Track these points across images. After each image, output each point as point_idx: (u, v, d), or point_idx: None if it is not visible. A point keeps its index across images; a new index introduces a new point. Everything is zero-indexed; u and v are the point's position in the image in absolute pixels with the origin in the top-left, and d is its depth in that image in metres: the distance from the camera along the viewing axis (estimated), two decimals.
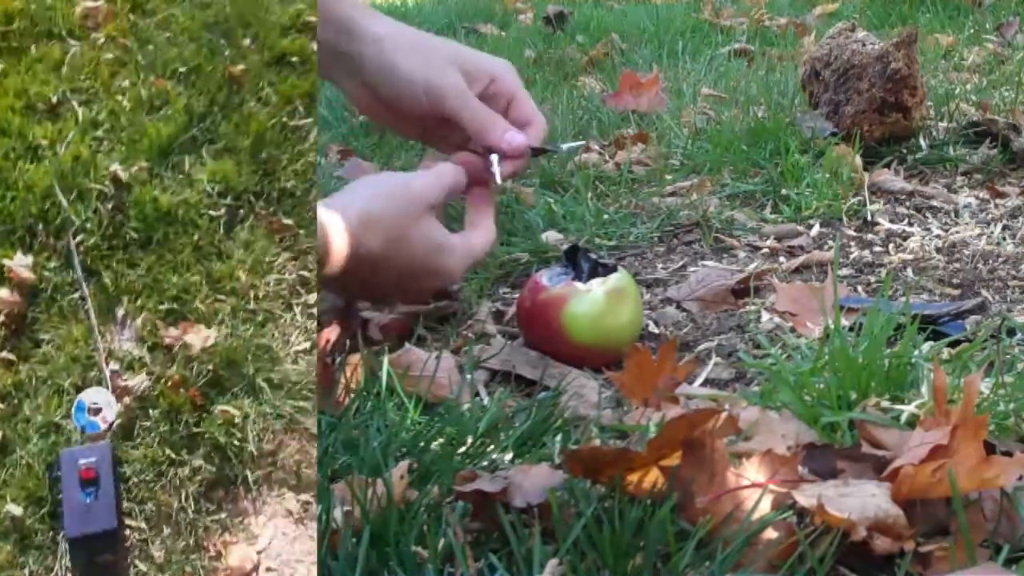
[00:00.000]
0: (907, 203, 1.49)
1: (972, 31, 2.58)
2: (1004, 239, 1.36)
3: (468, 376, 1.00)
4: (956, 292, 1.20)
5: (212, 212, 1.01)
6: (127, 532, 0.87)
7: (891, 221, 1.42)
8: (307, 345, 0.93)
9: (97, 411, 0.89)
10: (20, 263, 0.97)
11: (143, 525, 0.87)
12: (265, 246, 0.99)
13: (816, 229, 1.40)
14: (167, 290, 0.97)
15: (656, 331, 1.14)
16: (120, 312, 0.95)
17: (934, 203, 1.49)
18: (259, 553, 0.86)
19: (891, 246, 1.35)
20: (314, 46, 1.07)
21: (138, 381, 0.91)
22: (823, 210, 1.45)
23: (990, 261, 1.29)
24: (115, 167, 1.02)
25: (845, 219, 1.43)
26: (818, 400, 0.87)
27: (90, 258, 0.98)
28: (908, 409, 0.84)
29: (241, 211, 1.02)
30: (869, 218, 1.43)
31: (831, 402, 0.86)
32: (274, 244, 1.00)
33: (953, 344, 0.99)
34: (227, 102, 1.08)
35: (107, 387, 0.91)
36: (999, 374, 0.89)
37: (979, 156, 1.61)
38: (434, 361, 0.99)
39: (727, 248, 1.36)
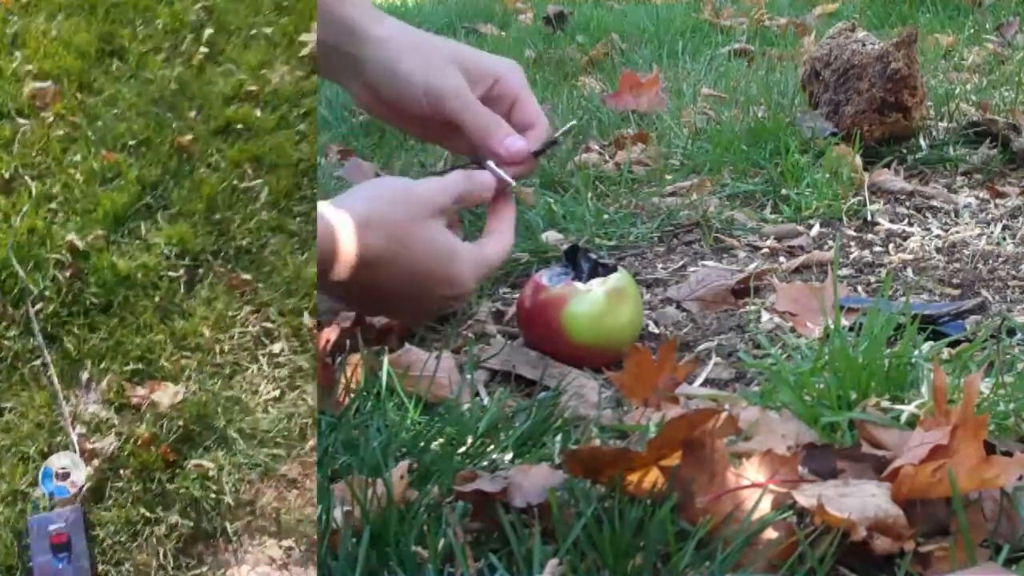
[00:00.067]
0: (907, 203, 1.49)
1: (972, 31, 2.58)
2: (1004, 239, 1.36)
3: (468, 376, 1.00)
4: (956, 292, 1.20)
5: (171, 273, 1.04)
6: None
7: (891, 221, 1.42)
8: (276, 394, 0.94)
9: (65, 476, 0.89)
10: None
11: None
12: (227, 301, 1.02)
13: (816, 229, 1.40)
14: (131, 351, 0.98)
15: (656, 331, 1.14)
16: (84, 376, 0.97)
17: (934, 203, 1.49)
18: None
19: (891, 246, 1.35)
20: (257, 112, 1.14)
21: (106, 443, 0.91)
22: (823, 210, 1.45)
23: (990, 261, 1.29)
24: (71, 236, 1.05)
25: (845, 219, 1.43)
26: (818, 400, 0.87)
27: (50, 325, 1.00)
28: (908, 409, 0.84)
29: (200, 270, 1.05)
30: (869, 218, 1.43)
31: (831, 402, 0.86)
32: (235, 299, 1.03)
33: (953, 344, 0.99)
34: (178, 170, 1.13)
35: (74, 451, 0.91)
36: (999, 374, 0.89)
37: (979, 156, 1.61)
38: (434, 361, 0.99)
39: (727, 248, 1.36)
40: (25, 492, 0.89)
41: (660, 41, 2.72)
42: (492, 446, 0.88)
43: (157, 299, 1.01)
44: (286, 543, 0.87)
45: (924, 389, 0.87)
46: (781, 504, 0.72)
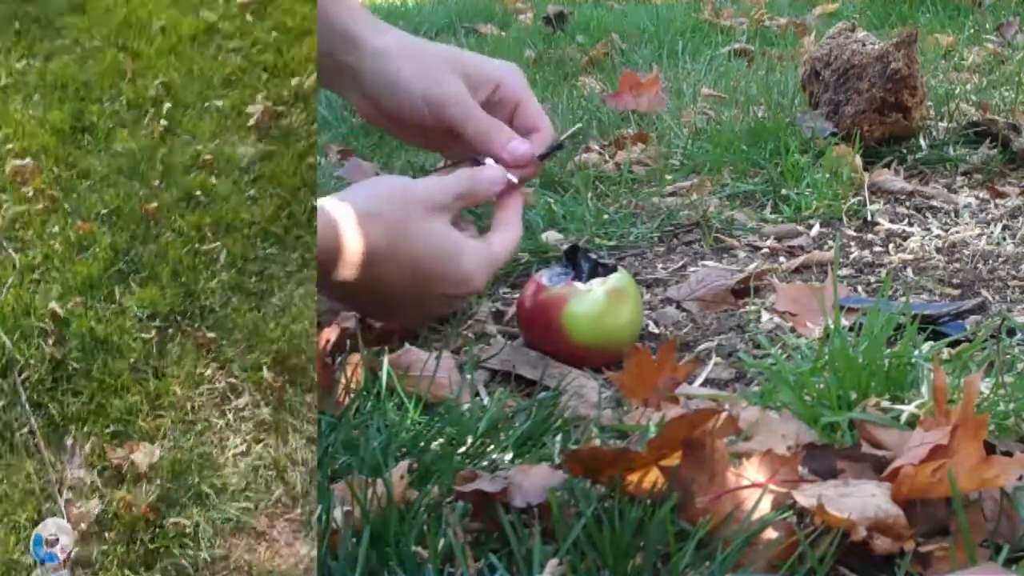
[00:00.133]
0: (907, 203, 1.49)
1: (972, 31, 2.58)
2: (1004, 239, 1.36)
3: (468, 376, 1.00)
4: (956, 292, 1.20)
5: (144, 335, 1.08)
6: None
7: (891, 221, 1.42)
8: (243, 448, 0.97)
9: (54, 542, 0.90)
10: None
11: None
12: (195, 359, 1.06)
13: (816, 229, 1.40)
14: (111, 413, 1.02)
15: (656, 331, 1.14)
16: (68, 441, 0.99)
17: (934, 203, 1.49)
18: None
19: (891, 246, 1.35)
20: (213, 179, 1.23)
21: (92, 506, 0.92)
22: (823, 210, 1.45)
23: (990, 261, 1.29)
24: (53, 304, 1.09)
25: (845, 219, 1.43)
26: (818, 400, 0.87)
27: (36, 392, 1.03)
28: (908, 409, 0.84)
29: (170, 330, 1.10)
30: (869, 218, 1.43)
31: (831, 402, 0.86)
32: (202, 357, 1.07)
33: (953, 344, 0.99)
34: (146, 236, 1.20)
35: (62, 516, 0.92)
36: (999, 374, 0.89)
37: (979, 156, 1.61)
38: (434, 361, 0.99)
39: (727, 248, 1.36)
40: (17, 560, 0.91)
41: (660, 41, 2.72)
42: (492, 446, 0.88)
43: (132, 360, 1.06)
44: None
45: (924, 389, 0.87)
46: (781, 504, 0.72)
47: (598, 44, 2.70)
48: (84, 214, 1.22)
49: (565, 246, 1.12)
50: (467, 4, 3.56)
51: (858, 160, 1.50)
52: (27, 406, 1.00)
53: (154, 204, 1.22)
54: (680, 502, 0.72)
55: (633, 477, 0.74)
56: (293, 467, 0.95)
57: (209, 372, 1.04)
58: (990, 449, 0.75)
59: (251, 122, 1.32)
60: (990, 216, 1.44)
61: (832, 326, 0.92)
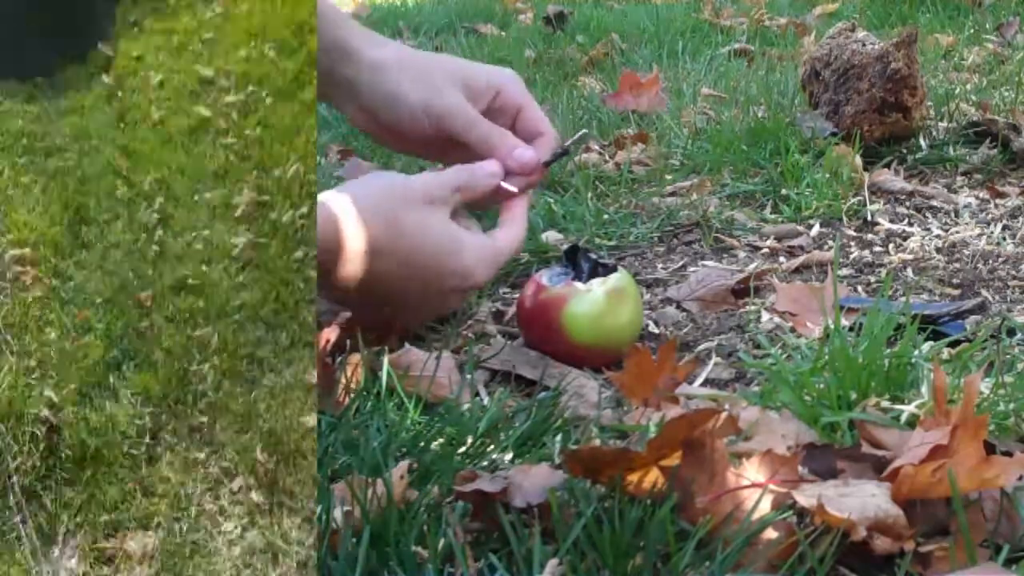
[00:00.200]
0: (907, 203, 1.49)
1: (972, 31, 2.58)
2: (1004, 239, 1.36)
3: (468, 376, 1.00)
4: (956, 292, 1.20)
5: (138, 421, 1.09)
6: None
7: (891, 221, 1.42)
8: (237, 532, 0.98)
9: None
10: None
11: None
12: (187, 444, 1.06)
13: (816, 229, 1.41)
14: (104, 502, 1.02)
15: (656, 331, 1.14)
16: (61, 530, 0.99)
17: (934, 203, 1.49)
18: None
19: (891, 246, 1.35)
20: (204, 268, 1.26)
21: None
22: (823, 210, 1.45)
23: (990, 261, 1.29)
24: (49, 392, 1.10)
25: (845, 219, 1.43)
26: (818, 400, 0.87)
27: (28, 480, 1.03)
28: (908, 409, 0.84)
29: (163, 416, 1.10)
30: (869, 218, 1.43)
31: (831, 402, 0.86)
32: (195, 442, 1.07)
33: (953, 344, 0.99)
34: (139, 324, 1.22)
35: None
36: (999, 374, 0.89)
37: (979, 156, 1.61)
38: (434, 361, 0.99)
39: (727, 248, 1.36)
40: None
41: (660, 41, 2.72)
42: (492, 446, 0.88)
43: (126, 447, 1.06)
44: None
45: (924, 389, 0.87)
46: (781, 504, 0.72)
47: (598, 44, 2.70)
48: (80, 303, 1.24)
49: (565, 246, 1.12)
50: (467, 4, 3.56)
51: (858, 160, 1.50)
52: (20, 495, 1.00)
53: (147, 293, 1.24)
54: (680, 502, 0.72)
55: (633, 477, 0.74)
56: (288, 547, 0.95)
57: (203, 457, 1.04)
58: (990, 449, 0.75)
59: (237, 213, 1.34)
60: (990, 216, 1.44)
61: (832, 326, 0.92)
